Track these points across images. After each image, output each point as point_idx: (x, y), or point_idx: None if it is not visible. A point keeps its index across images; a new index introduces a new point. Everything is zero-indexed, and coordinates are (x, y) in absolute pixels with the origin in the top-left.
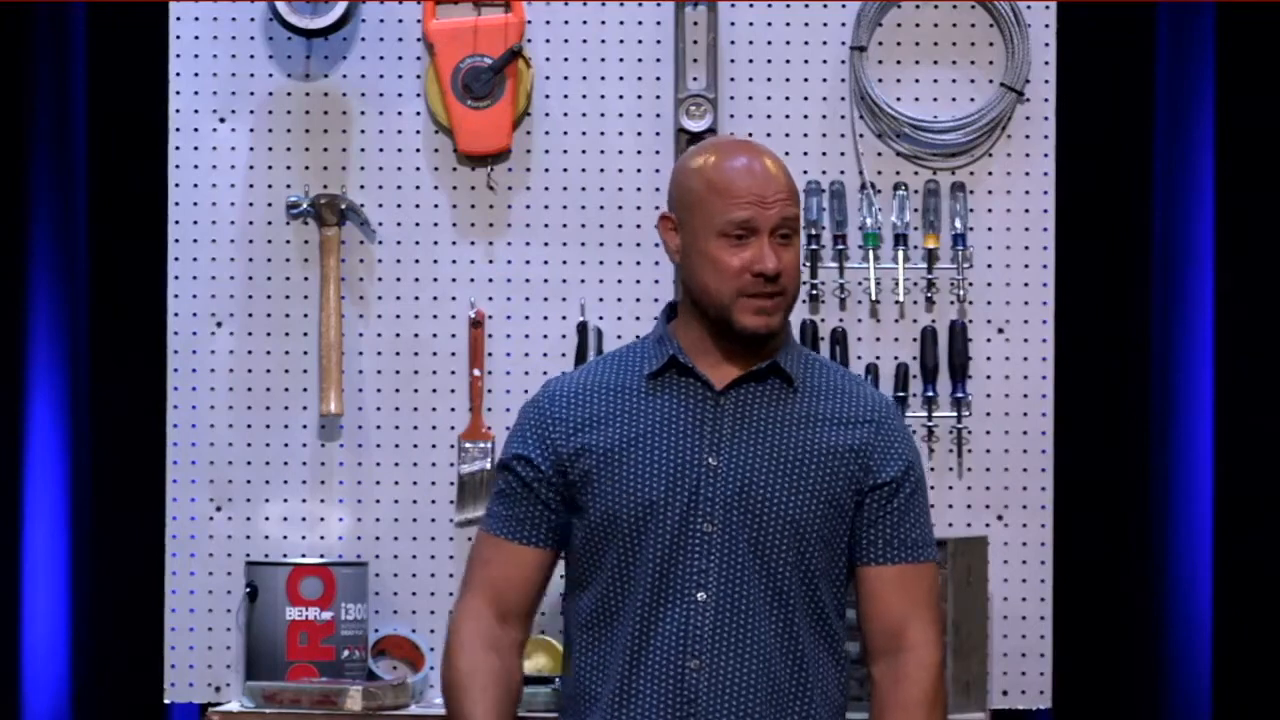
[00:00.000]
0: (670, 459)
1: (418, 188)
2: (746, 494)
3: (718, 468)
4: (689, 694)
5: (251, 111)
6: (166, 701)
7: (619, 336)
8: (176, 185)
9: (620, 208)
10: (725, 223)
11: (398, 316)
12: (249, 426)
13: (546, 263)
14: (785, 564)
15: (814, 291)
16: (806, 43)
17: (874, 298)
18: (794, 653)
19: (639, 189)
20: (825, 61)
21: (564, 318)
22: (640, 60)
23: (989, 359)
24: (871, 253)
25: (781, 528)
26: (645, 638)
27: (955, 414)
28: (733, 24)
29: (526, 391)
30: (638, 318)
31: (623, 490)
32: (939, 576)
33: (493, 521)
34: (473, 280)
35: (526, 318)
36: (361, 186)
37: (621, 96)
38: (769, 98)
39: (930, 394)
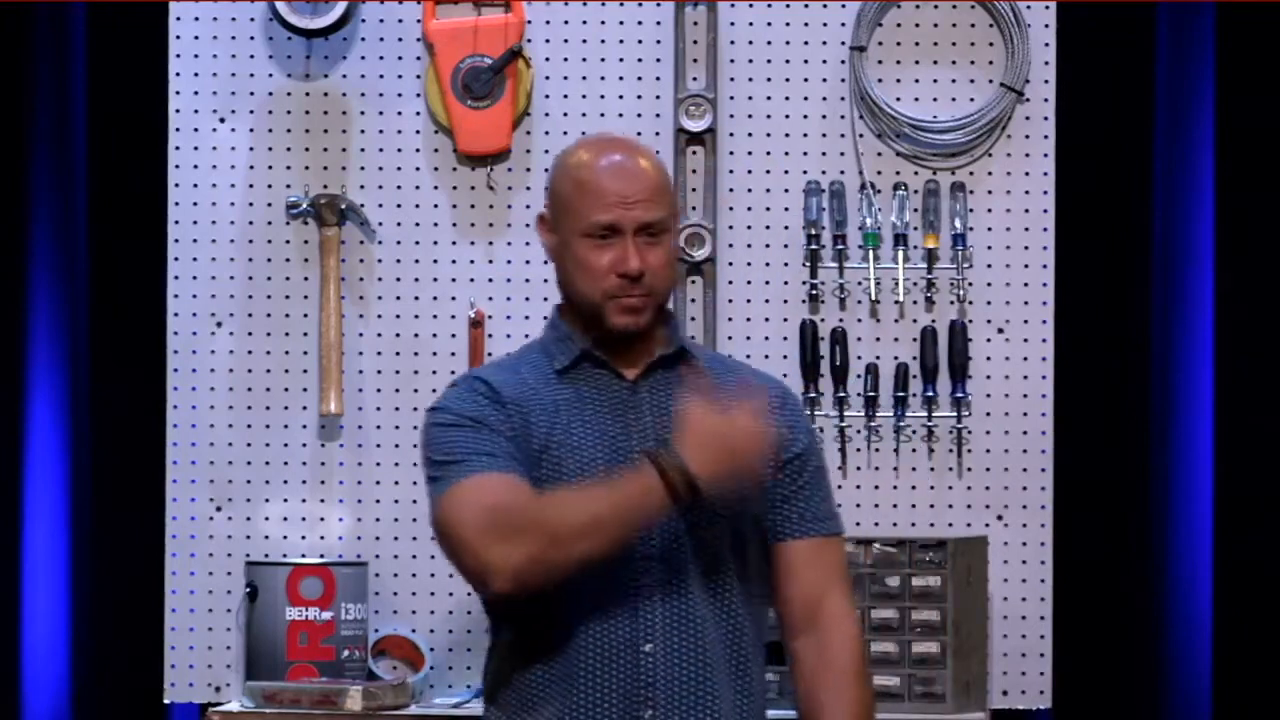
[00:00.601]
0: (602, 449)
1: (418, 188)
2: None
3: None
4: (646, 678)
5: (251, 111)
6: (166, 701)
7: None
8: (176, 185)
9: None
10: (589, 224)
11: (398, 316)
12: (249, 426)
13: (546, 263)
14: (720, 544)
15: (814, 291)
16: (806, 43)
17: (874, 298)
18: (733, 631)
19: None
20: (825, 61)
21: None
22: (640, 60)
23: (989, 359)
24: (871, 253)
25: (713, 509)
26: (594, 625)
27: (955, 414)
28: (733, 24)
29: None
30: None
31: (563, 484)
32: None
33: (475, 466)
34: (473, 280)
35: (526, 318)
36: (361, 186)
37: (621, 96)
38: (769, 98)
39: (930, 394)
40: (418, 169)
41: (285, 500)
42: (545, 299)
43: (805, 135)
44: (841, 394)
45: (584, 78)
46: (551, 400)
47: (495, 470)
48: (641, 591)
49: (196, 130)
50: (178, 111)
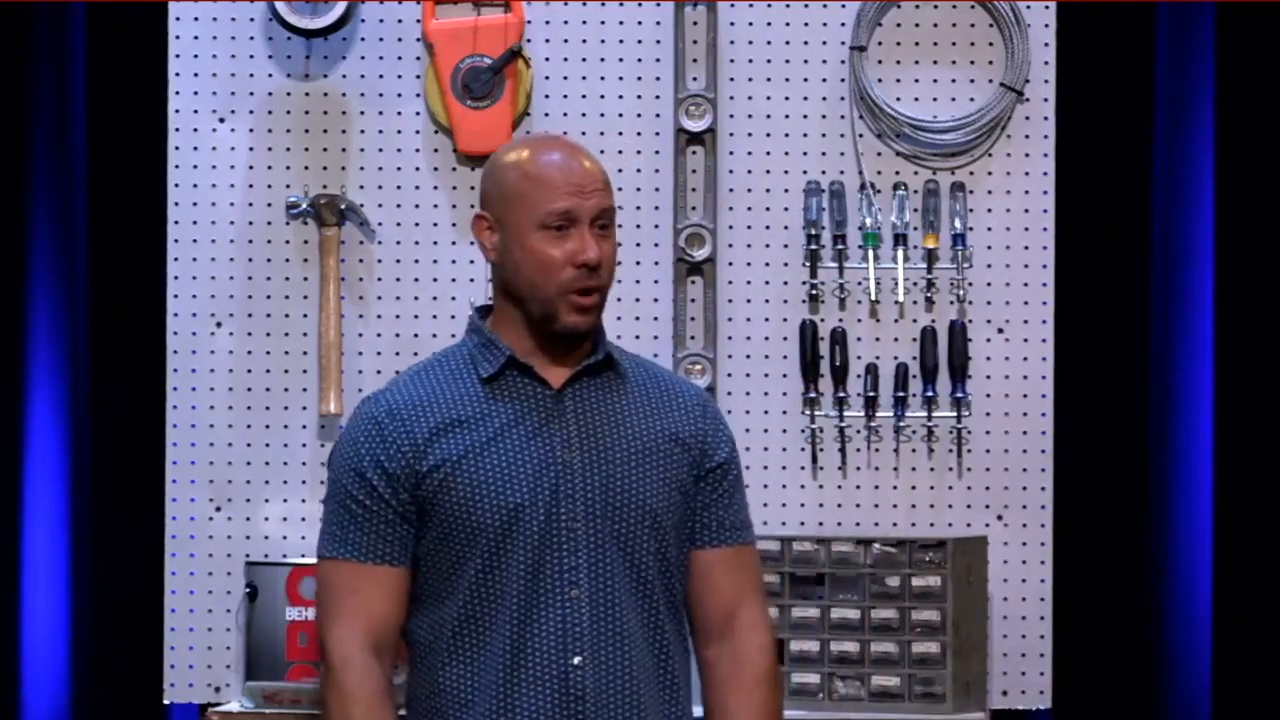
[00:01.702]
0: (527, 460)
1: (418, 188)
2: (607, 488)
3: (574, 465)
4: (576, 691)
5: (251, 111)
6: (166, 701)
7: (619, 336)
8: (176, 185)
9: (620, 208)
10: (545, 213)
11: (398, 316)
12: (249, 426)
13: None
14: (647, 554)
15: (814, 291)
16: (806, 43)
17: (874, 298)
18: (659, 642)
19: (639, 189)
20: (825, 61)
21: None
22: (640, 60)
23: (989, 359)
24: (871, 253)
25: (641, 518)
26: (523, 640)
27: (955, 414)
28: (733, 24)
29: None
30: (637, 317)
31: (484, 497)
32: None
33: (346, 547)
34: (473, 280)
35: None
36: (361, 186)
37: (621, 96)
38: (769, 98)
39: (930, 394)
40: (418, 169)
41: (285, 500)
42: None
43: (805, 135)
44: (841, 394)
45: (584, 78)
46: (473, 411)
47: (365, 560)
48: (569, 603)
49: (196, 130)
50: (178, 111)
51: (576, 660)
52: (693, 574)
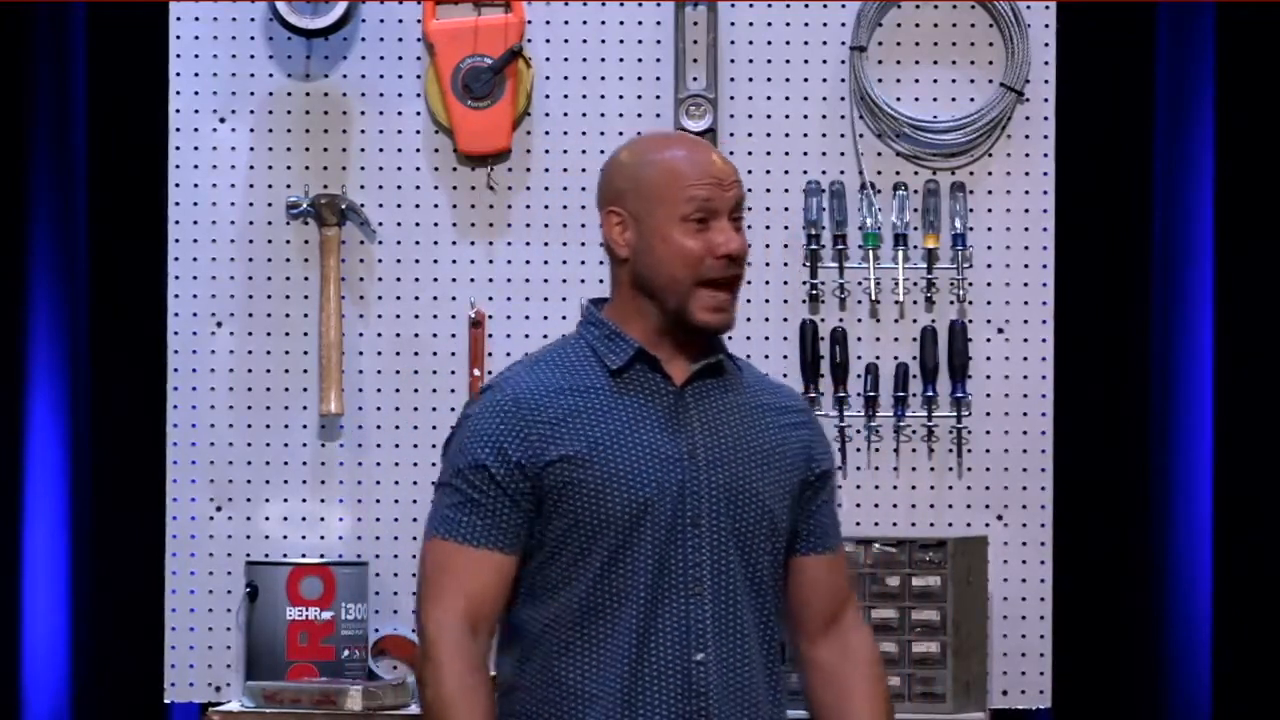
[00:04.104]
0: (655, 455)
1: (418, 188)
2: (730, 486)
3: (699, 461)
4: (698, 688)
5: (251, 111)
6: (166, 701)
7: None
8: (176, 185)
9: None
10: (689, 203)
11: (398, 316)
12: (249, 426)
13: (546, 263)
14: (763, 554)
15: (814, 291)
16: (806, 43)
17: (874, 298)
18: (769, 640)
19: None
20: (825, 61)
21: (564, 318)
22: (640, 60)
23: (989, 359)
24: (871, 253)
25: (760, 518)
26: (647, 635)
27: (955, 414)
28: (733, 24)
29: None
30: None
31: (614, 489)
32: None
33: (457, 529)
34: (473, 280)
35: (526, 318)
36: (361, 186)
37: (621, 96)
38: (769, 98)
39: (930, 394)
40: (418, 169)
41: (285, 500)
42: (545, 299)
43: (805, 135)
44: (841, 394)
45: (584, 78)
46: (600, 403)
47: (475, 544)
48: (693, 599)
49: (196, 130)
50: (178, 111)
51: (699, 656)
52: (794, 579)
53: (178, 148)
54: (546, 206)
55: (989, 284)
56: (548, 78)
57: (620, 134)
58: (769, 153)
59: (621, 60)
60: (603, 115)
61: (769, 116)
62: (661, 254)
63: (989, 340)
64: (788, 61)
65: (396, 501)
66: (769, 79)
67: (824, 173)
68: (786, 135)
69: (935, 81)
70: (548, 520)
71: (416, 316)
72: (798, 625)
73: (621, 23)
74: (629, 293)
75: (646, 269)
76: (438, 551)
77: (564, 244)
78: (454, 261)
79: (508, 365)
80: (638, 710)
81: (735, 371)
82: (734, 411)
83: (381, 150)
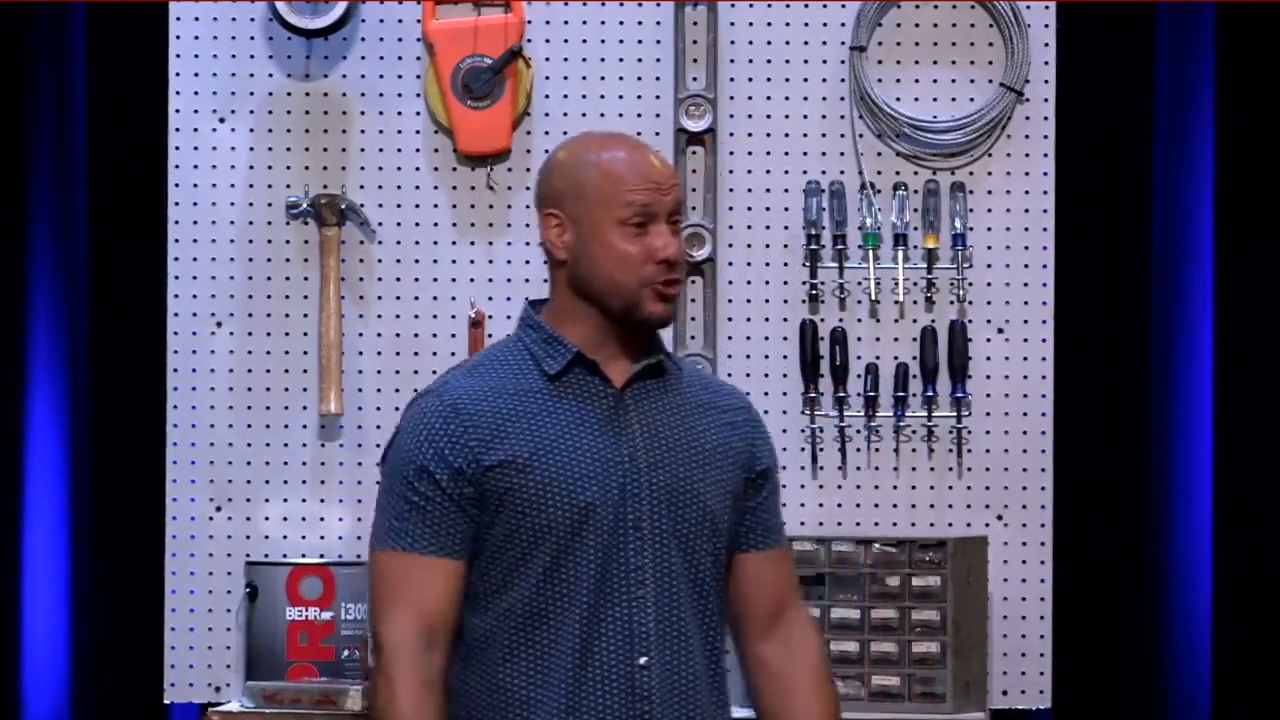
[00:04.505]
0: (596, 458)
1: (418, 188)
2: (671, 488)
3: (640, 464)
4: (642, 692)
5: (251, 111)
6: (166, 701)
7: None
8: (176, 185)
9: None
10: (627, 208)
11: (398, 316)
12: (249, 426)
13: (546, 262)
14: (704, 554)
15: (814, 291)
16: (806, 43)
17: (874, 298)
18: (712, 642)
19: None
20: (825, 61)
21: None
22: (640, 60)
23: (989, 359)
24: (871, 253)
25: (701, 519)
26: (590, 639)
27: (955, 414)
28: (733, 24)
29: None
30: None
31: (556, 494)
32: None
33: (404, 538)
34: (473, 280)
35: None
36: (361, 186)
37: (621, 96)
38: (769, 98)
39: (930, 394)
40: (418, 169)
41: (285, 500)
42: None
43: (805, 135)
44: (841, 394)
45: (584, 78)
46: (539, 407)
47: (425, 552)
48: (636, 603)
49: (196, 130)
50: (178, 111)
51: (643, 660)
52: (736, 576)
53: (178, 148)
54: None
55: (989, 284)
56: (547, 78)
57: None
58: (769, 153)
59: (621, 60)
60: (603, 115)
61: (769, 116)
62: (600, 258)
63: (989, 340)
64: (788, 61)
65: None
66: (769, 79)
67: (824, 173)
68: (786, 135)
69: (935, 81)
70: (489, 525)
71: (416, 316)
72: (741, 622)
73: (621, 23)
74: (568, 295)
75: (585, 272)
76: (387, 563)
77: None
78: (454, 261)
79: (445, 370)
80: (581, 715)
81: (675, 372)
82: (674, 412)
83: (381, 150)
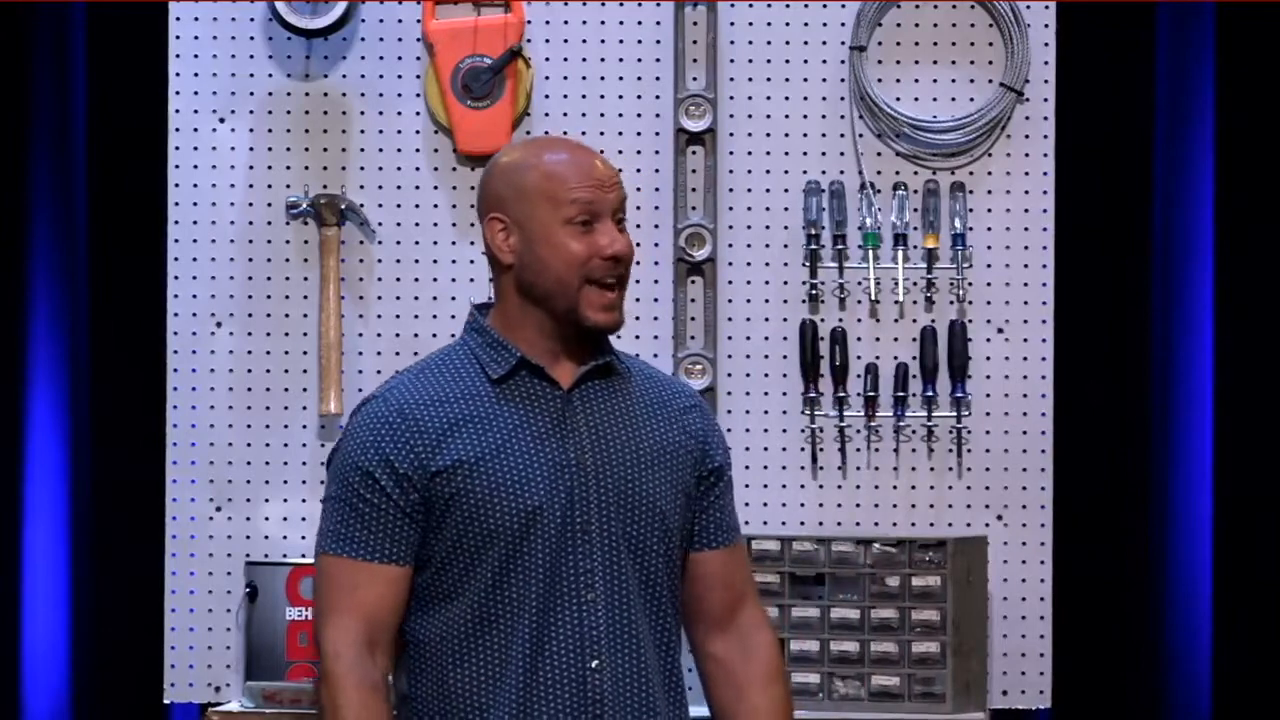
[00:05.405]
0: (542, 462)
1: (418, 188)
2: (619, 490)
3: (587, 466)
4: (593, 695)
5: (251, 111)
6: (166, 701)
7: (618, 337)
8: (176, 185)
9: None
10: (571, 207)
11: (398, 316)
12: (249, 426)
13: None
14: (656, 555)
15: (814, 291)
16: (806, 43)
17: (874, 298)
18: (665, 643)
19: (639, 189)
20: (825, 61)
21: None
22: (640, 60)
23: (989, 359)
24: (871, 253)
25: (652, 520)
26: (541, 643)
27: (955, 414)
28: (732, 24)
29: None
30: (637, 317)
31: (502, 498)
32: None
33: (348, 544)
34: (473, 280)
35: None
36: (361, 186)
37: (621, 96)
38: (769, 98)
39: (930, 394)
40: (418, 169)
41: (285, 500)
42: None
43: (805, 135)
44: (841, 394)
45: (584, 78)
46: (483, 411)
47: (368, 559)
48: (585, 606)
49: (196, 130)
50: (178, 111)
51: (594, 663)
52: (691, 574)
53: (178, 148)
54: None
55: (989, 284)
56: (547, 78)
57: (620, 134)
58: (769, 153)
59: (621, 60)
60: (602, 115)
61: (769, 116)
62: (546, 257)
63: (989, 340)
64: (787, 61)
65: None
66: (769, 79)
67: (824, 173)
68: (786, 135)
69: (935, 81)
70: (437, 531)
71: (416, 316)
72: (695, 620)
73: (621, 23)
74: (514, 299)
75: (532, 274)
76: (331, 568)
77: None
78: (454, 261)
79: (391, 375)
80: (533, 718)
81: (625, 372)
82: (623, 413)
83: (381, 150)
